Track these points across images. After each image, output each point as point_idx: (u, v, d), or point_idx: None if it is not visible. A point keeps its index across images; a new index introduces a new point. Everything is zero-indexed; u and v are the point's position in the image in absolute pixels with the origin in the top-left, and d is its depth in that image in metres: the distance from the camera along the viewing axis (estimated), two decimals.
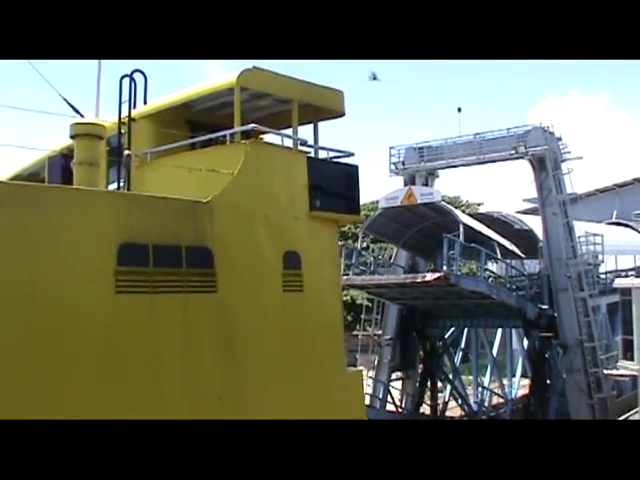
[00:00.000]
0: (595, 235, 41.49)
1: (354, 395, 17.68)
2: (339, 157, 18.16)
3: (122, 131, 15.87)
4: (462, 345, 48.10)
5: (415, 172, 40.61)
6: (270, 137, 17.36)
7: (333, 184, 16.90)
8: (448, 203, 43.20)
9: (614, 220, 63.84)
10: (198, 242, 14.06)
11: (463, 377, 46.46)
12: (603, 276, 45.44)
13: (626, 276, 47.42)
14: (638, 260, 54.94)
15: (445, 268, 33.56)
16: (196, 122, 17.82)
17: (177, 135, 16.83)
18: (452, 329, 44.69)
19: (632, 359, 41.96)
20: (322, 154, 18.03)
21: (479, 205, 68.50)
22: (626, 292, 44.00)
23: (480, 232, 38.19)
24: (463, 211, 48.22)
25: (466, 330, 46.00)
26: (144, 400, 13.07)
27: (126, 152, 15.54)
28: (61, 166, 18.43)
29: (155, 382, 13.24)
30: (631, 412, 37.24)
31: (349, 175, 17.37)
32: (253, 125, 15.51)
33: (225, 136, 16.15)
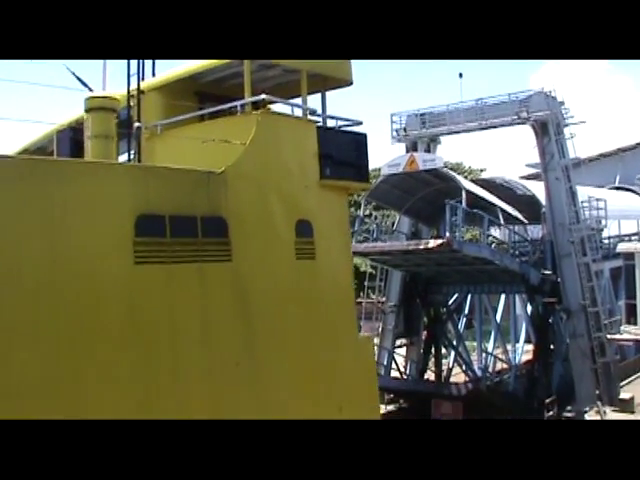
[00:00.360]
0: (598, 200, 41.64)
1: (365, 360, 18.27)
2: (347, 126, 18.54)
3: (131, 104, 16.22)
4: (466, 311, 48.41)
5: (417, 139, 40.73)
6: (278, 107, 17.73)
7: (343, 152, 17.35)
8: (450, 169, 43.44)
9: (617, 185, 63.86)
10: (213, 212, 14.52)
11: (467, 343, 46.81)
12: (606, 241, 45.56)
13: (629, 241, 48.20)
14: None
15: (448, 234, 33.64)
16: (204, 93, 18.21)
17: (186, 107, 17.21)
18: (455, 295, 45.02)
19: (635, 323, 43.40)
20: (330, 123, 18.41)
21: (481, 171, 68.60)
22: (629, 257, 45.30)
23: (483, 198, 38.27)
24: (465, 177, 48.31)
25: (469, 296, 46.27)
26: (163, 368, 13.60)
27: (136, 124, 15.91)
28: (69, 139, 18.81)
29: (174, 350, 13.78)
30: (634, 376, 39.21)
31: (358, 143, 17.82)
32: (264, 96, 15.87)
33: (235, 107, 16.53)
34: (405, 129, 40.61)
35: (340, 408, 16.82)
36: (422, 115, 40.35)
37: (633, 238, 50.05)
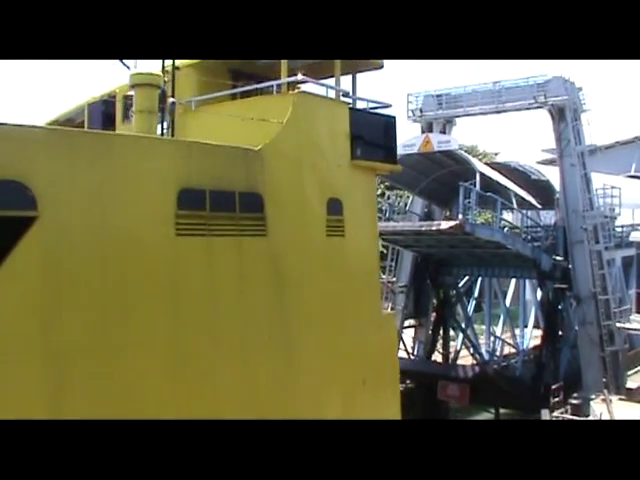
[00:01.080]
0: (613, 188, 41.99)
1: (388, 336, 19.28)
2: (377, 108, 19.40)
3: (165, 79, 17.06)
4: (475, 294, 49.14)
5: (433, 120, 41.34)
6: (309, 87, 18.52)
7: (373, 134, 18.29)
8: (465, 152, 43.76)
9: (633, 173, 64.16)
10: (250, 188, 15.44)
11: (475, 326, 47.39)
12: (619, 229, 45.81)
13: None
14: None
15: (461, 217, 34.06)
16: (238, 71, 19.04)
17: (219, 84, 18.03)
18: (466, 278, 45.90)
19: None
20: (360, 105, 19.24)
21: (496, 154, 68.89)
22: None
23: (497, 181, 39.06)
24: (480, 160, 48.82)
25: (480, 279, 47.07)
26: (200, 338, 14.55)
27: (171, 99, 16.78)
28: (101, 112, 19.70)
29: (211, 320, 14.75)
30: None
31: (387, 126, 18.76)
32: (300, 76, 16.72)
33: (269, 86, 17.40)
34: (421, 110, 41.23)
35: (364, 381, 17.85)
36: (439, 96, 41.00)
37: None
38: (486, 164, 43.45)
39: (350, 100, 18.86)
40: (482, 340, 47.40)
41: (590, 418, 29.86)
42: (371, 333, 18.48)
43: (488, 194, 36.14)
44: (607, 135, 66.31)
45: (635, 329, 39.92)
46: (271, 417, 15.02)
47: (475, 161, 40.23)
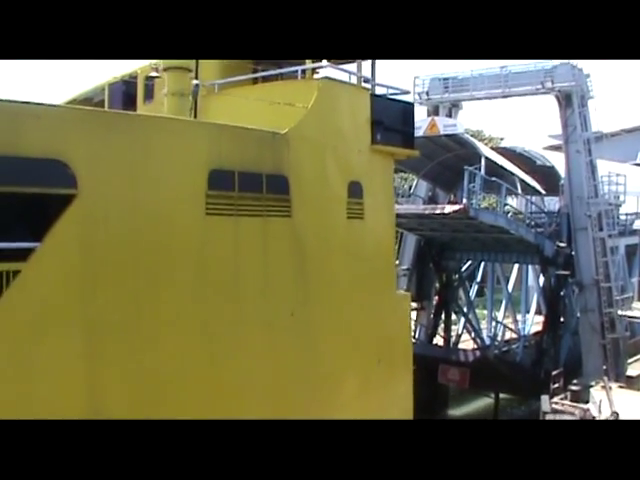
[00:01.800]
0: (618, 175, 42.44)
1: (402, 316, 20.27)
2: (395, 94, 20.30)
3: None
4: (478, 279, 49.77)
5: (439, 103, 41.92)
6: (328, 71, 19.35)
7: (392, 120, 19.23)
8: (471, 136, 44.13)
9: (639, 161, 64.62)
10: (276, 170, 16.38)
11: (477, 311, 48.01)
12: (624, 217, 46.28)
13: None
14: None
15: (465, 201, 34.61)
16: None
17: (241, 67, 18.87)
18: (469, 262, 46.47)
19: None
20: (379, 91, 20.14)
21: (501, 139, 69.52)
22: None
23: (501, 166, 39.46)
24: (485, 145, 49.20)
25: (483, 264, 47.70)
26: (226, 314, 15.53)
27: (194, 82, 17.61)
28: (122, 92, 20.56)
29: (236, 297, 15.73)
30: None
31: (406, 112, 19.74)
32: (325, 62, 17.60)
33: (290, 71, 18.28)
34: (427, 93, 41.71)
35: (379, 360, 18.85)
36: (445, 80, 41.45)
37: None
38: (491, 149, 43.92)
39: (369, 86, 19.69)
40: (483, 325, 47.94)
41: (589, 405, 30.07)
42: (387, 313, 19.54)
43: (493, 179, 36.66)
44: (613, 122, 66.81)
45: (637, 317, 40.14)
46: (292, 392, 16.03)
47: (480, 145, 40.60)
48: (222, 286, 15.48)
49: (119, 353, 13.80)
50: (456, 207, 34.21)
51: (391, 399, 20.26)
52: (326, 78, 18.03)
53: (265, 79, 19.28)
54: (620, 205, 43.66)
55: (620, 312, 38.51)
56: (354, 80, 19.21)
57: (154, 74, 18.99)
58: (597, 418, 28.31)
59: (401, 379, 20.62)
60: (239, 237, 15.71)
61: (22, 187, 12.79)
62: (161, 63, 18.31)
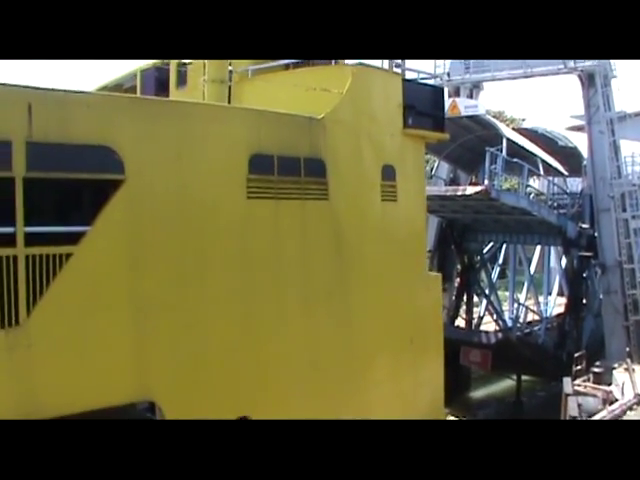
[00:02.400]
0: None
1: (434, 296, 21.16)
2: (425, 79, 21.13)
3: None
4: (500, 261, 50.31)
5: (460, 84, 42.46)
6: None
7: (423, 104, 20.06)
8: (492, 117, 44.46)
9: None
10: (313, 154, 17.23)
11: (499, 293, 48.62)
12: None
13: None
14: None
15: (486, 182, 35.11)
16: None
17: None
18: (491, 244, 47.05)
19: None
20: (408, 76, 20.97)
21: (523, 120, 70.23)
22: None
23: (523, 147, 39.80)
24: (507, 126, 49.54)
25: (504, 246, 48.14)
26: (268, 292, 16.53)
27: (230, 68, 18.44)
28: (154, 78, 21.43)
29: (277, 278, 16.66)
30: None
31: (436, 96, 20.57)
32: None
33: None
34: (448, 74, 42.08)
35: (411, 339, 19.73)
36: (466, 61, 41.82)
37: None
38: (513, 130, 44.24)
39: (400, 71, 20.50)
40: (505, 307, 48.56)
41: (612, 387, 30.31)
42: (419, 293, 20.46)
43: (514, 160, 36.96)
44: (637, 102, 66.69)
45: None
46: (329, 368, 16.96)
47: (502, 126, 40.82)
48: (263, 267, 16.38)
49: (165, 329, 14.72)
50: (478, 188, 34.78)
51: (423, 377, 21.21)
52: (360, 64, 18.81)
53: (297, 65, 20.03)
54: None
55: None
56: (386, 65, 19.99)
57: (187, 60, 19.81)
58: (620, 400, 28.48)
59: (433, 358, 21.55)
60: (279, 220, 16.58)
61: (73, 173, 13.67)
62: None
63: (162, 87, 21.77)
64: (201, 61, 19.17)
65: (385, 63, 19.97)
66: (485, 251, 47.25)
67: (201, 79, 18.28)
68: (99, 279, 13.85)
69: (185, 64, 20.39)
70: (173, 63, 21.74)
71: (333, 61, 18.89)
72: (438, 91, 21.04)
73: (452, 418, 34.17)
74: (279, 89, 18.37)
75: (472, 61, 41.55)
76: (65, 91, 13.79)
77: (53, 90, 13.63)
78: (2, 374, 12.60)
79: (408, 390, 20.39)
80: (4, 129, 12.66)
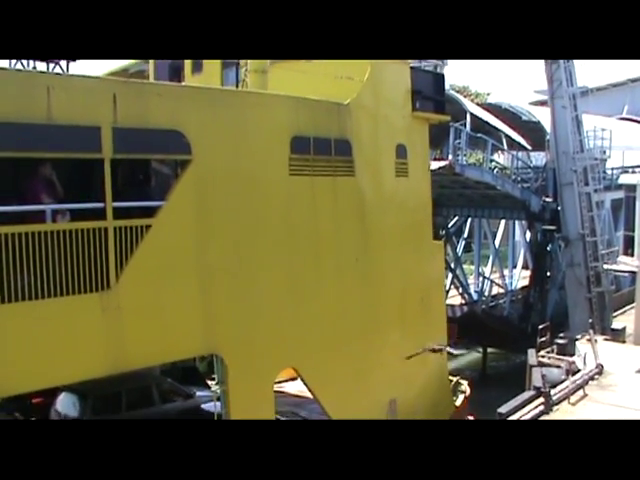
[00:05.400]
0: (603, 130, 46.43)
1: (438, 260, 26.55)
2: (427, 65, 25.49)
3: None
4: (465, 235, 54.36)
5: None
6: None
7: (427, 89, 24.43)
8: (457, 92, 48.73)
9: (625, 115, 69.73)
10: (342, 135, 21.35)
11: (465, 266, 52.72)
12: (609, 172, 50.39)
13: (632, 173, 52.98)
14: None
15: (451, 157, 38.60)
16: None
17: None
18: (456, 218, 51.03)
19: (632, 255, 47.59)
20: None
21: (488, 95, 74.47)
22: (631, 189, 49.37)
23: (487, 122, 43.77)
24: (472, 100, 54.07)
25: (470, 220, 52.11)
26: (308, 258, 20.60)
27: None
28: (168, 65, 25.06)
29: (315, 245, 20.77)
30: (628, 307, 43.84)
31: (438, 81, 25.03)
32: None
33: None
34: None
35: (422, 298, 24.24)
36: None
37: (636, 170, 54.39)
38: (477, 105, 48.49)
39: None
40: (471, 280, 52.62)
41: (575, 358, 33.16)
42: (427, 258, 25.26)
43: (479, 135, 40.67)
44: (599, 77, 70.57)
45: (622, 271, 44.37)
46: (355, 320, 21.80)
47: (466, 101, 44.52)
48: (303, 235, 20.33)
49: (227, 292, 18.38)
50: (442, 163, 38.02)
51: (430, 330, 26.07)
52: None
53: None
54: (606, 160, 47.61)
55: (606, 266, 42.59)
56: None
57: None
58: (582, 370, 31.48)
59: (438, 314, 26.67)
60: (315, 194, 20.55)
61: (150, 154, 17.35)
62: None
63: (175, 73, 25.32)
64: None
65: None
66: (450, 225, 50.81)
67: (243, 70, 21.98)
68: (173, 247, 17.15)
69: None
70: None
71: None
72: (439, 77, 25.71)
73: None
74: (295, 76, 21.84)
75: None
76: (142, 82, 17.56)
77: (133, 82, 17.32)
78: (99, 332, 15.46)
79: (419, 335, 25.21)
80: (94, 116, 15.64)
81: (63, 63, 21.14)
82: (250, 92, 20.72)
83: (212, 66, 23.78)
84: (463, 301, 49.32)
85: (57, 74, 17.72)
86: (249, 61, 21.24)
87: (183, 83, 24.35)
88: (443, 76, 25.88)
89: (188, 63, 25.15)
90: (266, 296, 19.34)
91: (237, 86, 22.84)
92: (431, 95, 24.98)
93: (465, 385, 28.59)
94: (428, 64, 26.28)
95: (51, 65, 20.82)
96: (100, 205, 15.51)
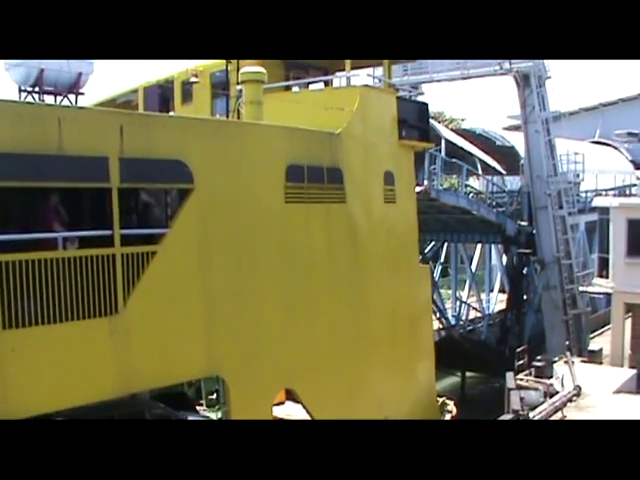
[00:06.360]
0: (577, 153, 47.51)
1: (425, 283, 27.84)
2: (412, 95, 27.02)
3: (229, 68, 23.91)
4: (442, 259, 55.38)
5: (399, 86, 46.51)
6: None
7: (412, 118, 25.88)
8: (431, 118, 49.09)
9: (597, 139, 71.46)
10: (334, 164, 22.72)
11: (442, 291, 53.52)
12: (583, 195, 51.80)
13: (606, 195, 53.61)
14: (618, 180, 61.37)
15: (426, 182, 39.59)
16: (291, 62, 26.13)
17: (276, 74, 24.84)
18: (432, 243, 51.98)
19: (607, 277, 46.26)
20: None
21: (462, 120, 75.86)
22: (604, 211, 48.37)
23: (462, 147, 45.32)
24: (446, 126, 55.43)
25: (446, 245, 53.15)
26: (302, 281, 21.81)
27: (238, 87, 23.33)
28: (158, 95, 26.27)
29: (309, 269, 22.05)
30: (604, 328, 44.24)
31: (422, 111, 26.47)
32: (368, 73, 24.01)
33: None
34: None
35: (410, 320, 25.55)
36: (404, 64, 44.86)
37: (609, 193, 55.26)
38: (452, 130, 49.87)
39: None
40: (448, 305, 53.51)
41: (553, 380, 34.08)
42: (414, 281, 26.70)
43: (453, 160, 41.74)
44: (571, 102, 72.84)
45: (597, 292, 45.23)
46: (348, 340, 22.98)
47: (440, 127, 46.22)
48: (299, 260, 21.55)
49: (227, 315, 19.46)
50: (418, 189, 37.36)
51: (419, 351, 27.44)
52: (366, 85, 24.50)
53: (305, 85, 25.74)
54: (579, 183, 48.65)
55: (581, 288, 43.63)
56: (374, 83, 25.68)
57: (194, 79, 24.80)
58: (560, 392, 32.36)
59: (426, 334, 28.10)
60: (309, 220, 21.82)
61: (154, 183, 18.32)
62: (200, 68, 24.41)
63: (164, 103, 26.56)
64: (207, 78, 24.37)
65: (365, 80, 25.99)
66: (427, 250, 51.67)
67: (239, 101, 23.22)
68: (177, 272, 18.14)
69: (191, 83, 25.16)
70: (177, 81, 26.71)
71: (345, 83, 24.40)
72: (423, 107, 27.21)
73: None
74: (283, 106, 23.25)
75: (410, 64, 45.14)
76: (147, 114, 18.72)
77: (137, 114, 18.50)
78: (108, 355, 16.13)
79: (407, 359, 26.55)
80: (102, 147, 16.52)
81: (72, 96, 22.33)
82: (248, 123, 21.85)
83: (202, 96, 24.99)
84: (441, 326, 49.97)
85: (67, 106, 18.71)
86: (244, 93, 22.38)
87: (171, 113, 25.48)
88: (427, 105, 27.38)
89: (178, 93, 26.38)
90: (265, 318, 20.45)
91: (227, 116, 24.04)
92: (416, 124, 26.45)
93: (451, 405, 29.62)
94: (404, 92, 27.64)
95: (59, 98, 21.95)
96: (108, 232, 16.33)
